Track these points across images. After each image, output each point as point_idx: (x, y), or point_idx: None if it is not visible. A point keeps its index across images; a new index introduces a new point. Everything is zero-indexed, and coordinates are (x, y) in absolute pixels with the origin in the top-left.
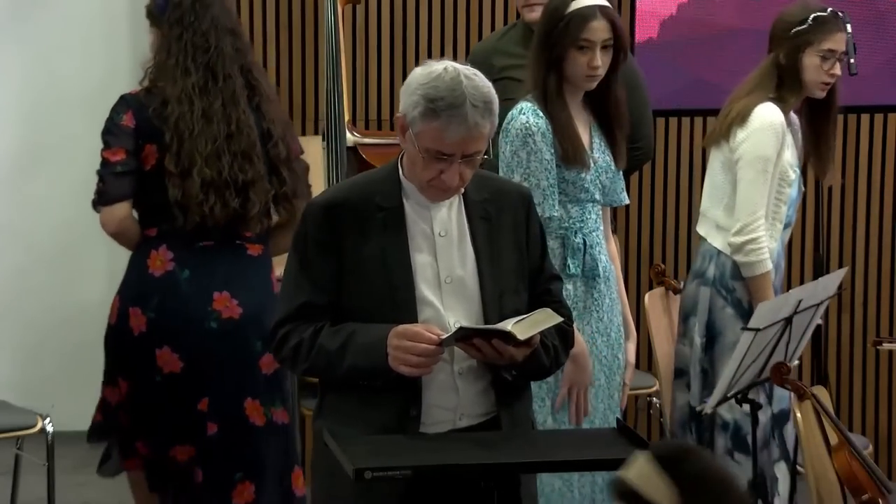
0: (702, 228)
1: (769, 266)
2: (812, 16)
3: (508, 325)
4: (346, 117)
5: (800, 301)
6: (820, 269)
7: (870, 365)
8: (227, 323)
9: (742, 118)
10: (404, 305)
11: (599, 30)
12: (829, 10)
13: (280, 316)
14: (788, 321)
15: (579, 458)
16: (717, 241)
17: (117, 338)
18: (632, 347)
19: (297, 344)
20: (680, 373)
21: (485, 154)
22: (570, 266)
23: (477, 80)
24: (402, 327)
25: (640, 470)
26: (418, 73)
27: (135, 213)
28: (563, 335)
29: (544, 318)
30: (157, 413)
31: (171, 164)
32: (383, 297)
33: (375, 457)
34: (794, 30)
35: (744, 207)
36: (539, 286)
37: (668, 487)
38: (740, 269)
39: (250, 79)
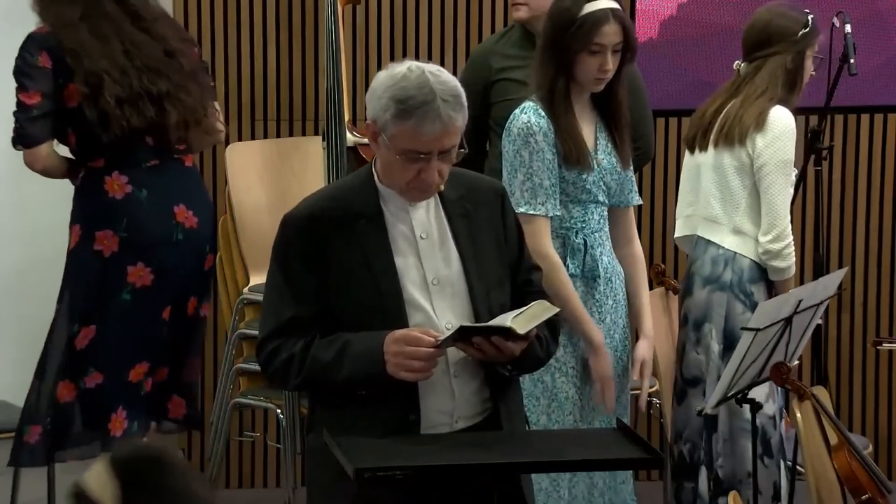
0: (712, 235)
1: (794, 269)
2: (811, 19)
3: (507, 320)
4: (346, 117)
5: (800, 301)
6: (820, 269)
7: (870, 365)
8: (189, 233)
9: (759, 123)
10: (394, 311)
11: (612, 34)
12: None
13: (267, 331)
14: (788, 321)
15: (579, 458)
16: (734, 245)
17: (83, 262)
18: (645, 345)
19: (287, 358)
20: (696, 381)
21: (460, 148)
22: (570, 266)
23: (442, 75)
24: (399, 333)
25: (97, 473)
26: (382, 77)
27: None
28: (551, 326)
29: (542, 311)
30: (122, 335)
31: (82, 86)
32: (372, 304)
33: (375, 457)
34: (801, 33)
35: (778, 213)
36: (519, 277)
37: (115, 495)
38: (772, 275)
39: (128, 6)
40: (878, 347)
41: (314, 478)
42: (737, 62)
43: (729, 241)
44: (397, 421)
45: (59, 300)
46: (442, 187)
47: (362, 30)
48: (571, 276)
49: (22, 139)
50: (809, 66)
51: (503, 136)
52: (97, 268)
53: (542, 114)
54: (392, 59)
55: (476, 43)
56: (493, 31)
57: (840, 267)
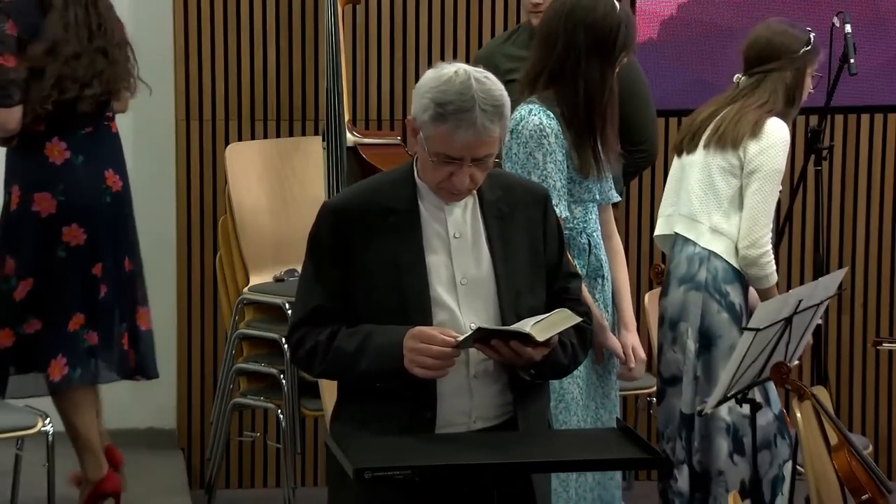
0: (689, 232)
1: (776, 277)
2: (812, 37)
3: (527, 326)
4: (346, 117)
5: (800, 301)
6: (820, 269)
7: (870, 365)
8: (116, 195)
9: (755, 131)
10: (419, 307)
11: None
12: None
13: (295, 319)
14: (788, 321)
15: (579, 459)
16: (711, 244)
17: (21, 222)
18: (632, 339)
19: (312, 347)
20: (673, 380)
21: (496, 157)
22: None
23: (488, 83)
24: (417, 329)
25: None
26: (429, 76)
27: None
28: (581, 334)
29: (563, 319)
30: (58, 288)
31: (41, 52)
32: (397, 299)
33: (376, 457)
34: (802, 51)
35: (759, 220)
36: (556, 284)
37: None
38: (752, 283)
39: None
40: (878, 347)
41: (334, 467)
42: (737, 75)
43: (705, 240)
44: (414, 417)
45: None
46: (475, 191)
47: (362, 30)
48: None
49: (4, 99)
50: (808, 84)
51: (509, 138)
52: (35, 228)
53: (552, 115)
54: (392, 58)
55: (476, 43)
56: (493, 31)
57: (840, 267)
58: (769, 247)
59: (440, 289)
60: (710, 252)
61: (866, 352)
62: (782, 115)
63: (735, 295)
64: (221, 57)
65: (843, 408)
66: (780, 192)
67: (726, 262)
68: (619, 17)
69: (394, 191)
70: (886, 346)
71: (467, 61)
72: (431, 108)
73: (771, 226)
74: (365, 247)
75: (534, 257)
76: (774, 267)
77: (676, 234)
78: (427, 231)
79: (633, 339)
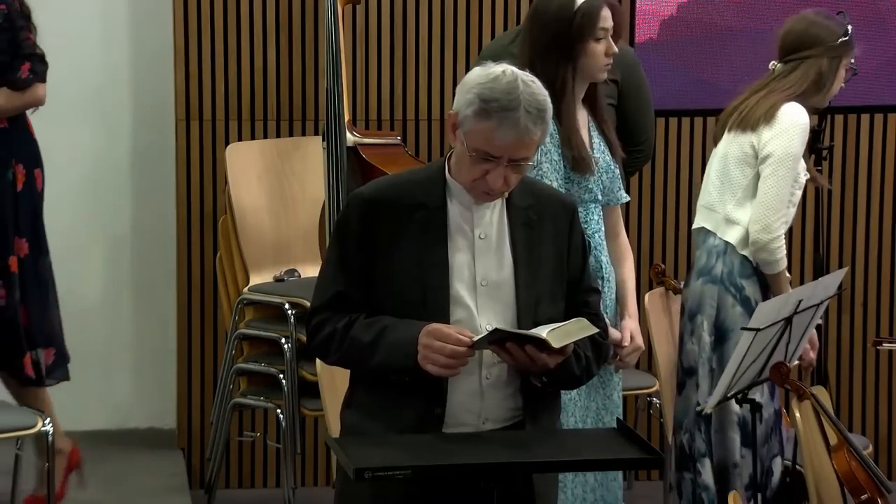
0: (708, 223)
1: (785, 263)
2: (849, 28)
3: (543, 332)
4: (346, 117)
5: (800, 301)
6: (820, 269)
7: (870, 365)
8: None
9: (769, 116)
10: (438, 305)
11: (608, 17)
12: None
13: (315, 304)
14: (788, 321)
15: (579, 459)
16: (727, 235)
17: (30, 200)
18: (632, 324)
19: (329, 334)
20: (691, 371)
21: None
22: None
23: (534, 87)
24: (433, 326)
25: None
26: (477, 73)
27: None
28: (596, 347)
29: (579, 329)
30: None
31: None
32: (417, 294)
33: (376, 457)
34: (840, 40)
35: (771, 204)
36: (577, 297)
37: None
38: (761, 267)
39: None
40: (878, 347)
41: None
42: (772, 63)
43: (722, 230)
44: (423, 412)
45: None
46: (507, 195)
47: (362, 30)
48: None
49: (42, 74)
50: (842, 75)
51: None
52: (35, 204)
53: None
54: (392, 58)
55: (476, 43)
56: (493, 31)
57: (840, 267)
58: (780, 233)
59: (460, 287)
60: (728, 245)
61: (866, 352)
62: (805, 102)
63: (751, 289)
64: (221, 57)
65: (843, 408)
66: (808, 179)
67: (743, 255)
68: (574, 7)
69: (424, 187)
70: (886, 346)
71: (467, 61)
72: (476, 104)
73: (784, 212)
74: (391, 239)
75: (557, 268)
76: (784, 253)
77: (700, 226)
78: (453, 229)
79: (633, 324)
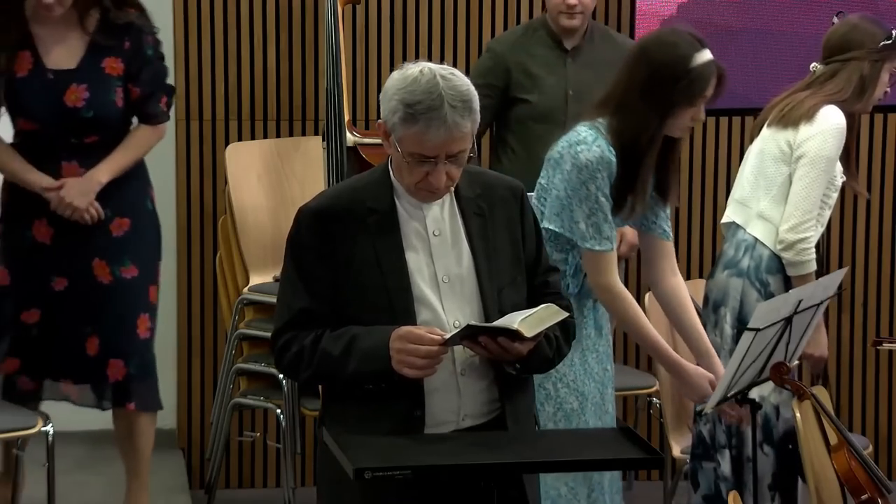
0: (738, 217)
1: (814, 266)
2: (894, 32)
3: (515, 321)
4: (346, 117)
5: (800, 301)
6: (820, 269)
7: (870, 365)
8: None
9: (809, 115)
10: (402, 307)
11: (713, 86)
12: None
13: (279, 323)
14: (788, 321)
15: (579, 459)
16: (756, 230)
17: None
18: (716, 359)
19: (298, 352)
20: None
21: (469, 152)
22: (570, 285)
23: (454, 79)
24: (403, 330)
25: None
26: (395, 78)
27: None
28: (563, 327)
29: (550, 315)
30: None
31: None
32: (380, 299)
33: (375, 457)
34: (883, 43)
35: (801, 205)
36: (537, 278)
37: None
38: (787, 268)
39: None
40: (878, 347)
41: (324, 471)
42: (813, 64)
43: (752, 226)
44: (403, 416)
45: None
46: (454, 188)
47: (362, 30)
48: (569, 293)
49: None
50: (886, 80)
51: (559, 159)
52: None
53: (613, 150)
54: (392, 58)
55: (476, 43)
56: (493, 31)
57: (840, 267)
58: (810, 234)
59: (423, 287)
60: (757, 240)
61: (866, 352)
62: (848, 107)
63: (776, 285)
64: (221, 57)
65: (843, 408)
66: (843, 181)
67: (771, 251)
68: (693, 67)
69: (371, 191)
70: (886, 346)
71: (467, 61)
72: (401, 110)
73: (815, 213)
74: (347, 248)
75: (514, 253)
76: (813, 256)
77: (731, 220)
78: (406, 230)
79: (717, 359)
